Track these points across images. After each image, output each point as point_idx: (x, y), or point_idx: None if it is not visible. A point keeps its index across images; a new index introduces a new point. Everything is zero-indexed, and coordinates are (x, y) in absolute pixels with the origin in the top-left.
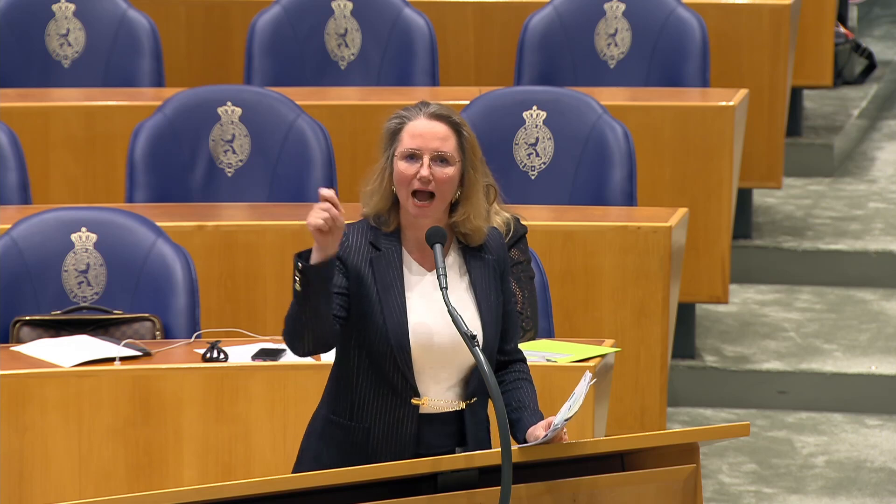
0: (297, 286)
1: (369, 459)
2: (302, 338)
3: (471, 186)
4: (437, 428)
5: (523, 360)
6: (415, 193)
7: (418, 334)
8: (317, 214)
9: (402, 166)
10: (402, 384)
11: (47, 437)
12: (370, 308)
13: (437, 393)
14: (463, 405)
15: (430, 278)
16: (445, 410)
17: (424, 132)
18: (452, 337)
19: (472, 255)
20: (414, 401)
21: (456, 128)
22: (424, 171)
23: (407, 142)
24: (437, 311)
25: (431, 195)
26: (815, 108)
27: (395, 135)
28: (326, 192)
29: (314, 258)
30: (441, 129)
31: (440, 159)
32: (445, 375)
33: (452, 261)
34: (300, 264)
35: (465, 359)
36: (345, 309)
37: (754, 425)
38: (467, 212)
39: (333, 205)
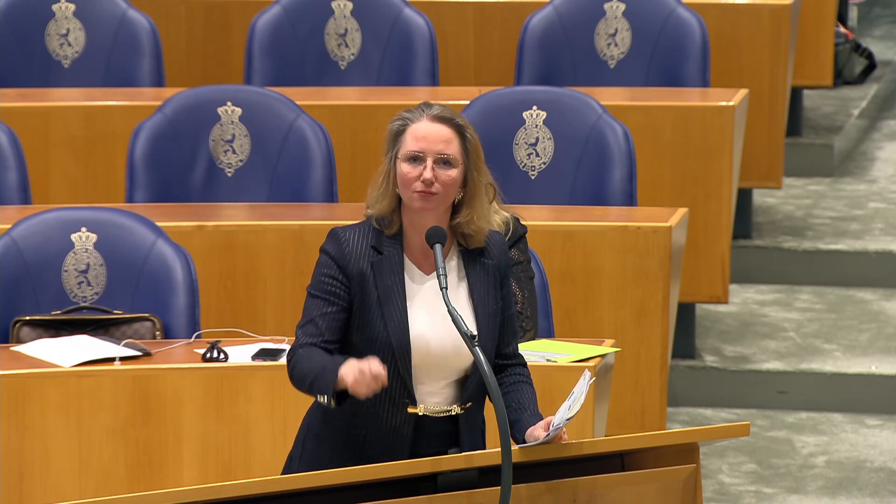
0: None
1: (364, 462)
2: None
3: (474, 188)
4: (432, 431)
5: (524, 363)
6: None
7: (418, 340)
8: (366, 387)
9: (405, 168)
10: (400, 390)
11: (47, 437)
12: (370, 314)
13: (434, 397)
14: (458, 409)
15: (430, 283)
16: (441, 415)
17: (428, 134)
18: (452, 341)
19: (473, 259)
20: (410, 409)
21: (459, 130)
22: (427, 174)
23: (410, 144)
24: (437, 316)
25: (434, 193)
26: (815, 108)
27: (397, 136)
28: (381, 375)
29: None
30: (444, 131)
31: (443, 162)
32: (443, 379)
33: (452, 265)
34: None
35: (463, 362)
36: (342, 332)
37: (754, 425)
38: (470, 213)
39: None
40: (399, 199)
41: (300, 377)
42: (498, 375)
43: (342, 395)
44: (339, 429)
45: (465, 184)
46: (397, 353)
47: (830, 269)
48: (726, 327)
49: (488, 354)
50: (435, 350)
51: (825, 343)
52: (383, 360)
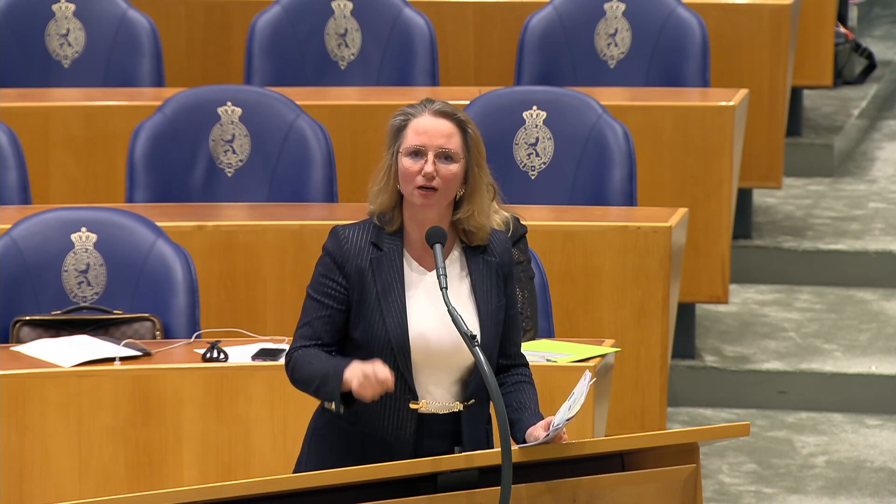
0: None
1: (368, 461)
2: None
3: (475, 184)
4: (434, 429)
5: (526, 364)
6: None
7: (418, 335)
8: (371, 390)
9: (406, 163)
10: (401, 386)
11: (47, 437)
12: (370, 310)
13: (436, 394)
14: (460, 406)
15: (431, 278)
16: (443, 412)
17: (429, 129)
18: (452, 337)
19: (475, 256)
20: (412, 405)
21: (461, 125)
22: (429, 168)
23: (411, 138)
24: (437, 312)
25: (435, 190)
26: (815, 108)
27: (399, 132)
28: (387, 379)
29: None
30: (446, 126)
31: (445, 156)
32: (444, 376)
33: (454, 261)
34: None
35: (463, 359)
36: (339, 333)
37: (754, 425)
38: (471, 209)
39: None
40: (400, 196)
41: (303, 381)
42: (500, 375)
43: (349, 398)
44: (341, 427)
45: (466, 180)
46: (396, 348)
47: (830, 269)
48: (726, 327)
49: (490, 352)
50: (434, 346)
51: (825, 343)
52: (382, 356)
